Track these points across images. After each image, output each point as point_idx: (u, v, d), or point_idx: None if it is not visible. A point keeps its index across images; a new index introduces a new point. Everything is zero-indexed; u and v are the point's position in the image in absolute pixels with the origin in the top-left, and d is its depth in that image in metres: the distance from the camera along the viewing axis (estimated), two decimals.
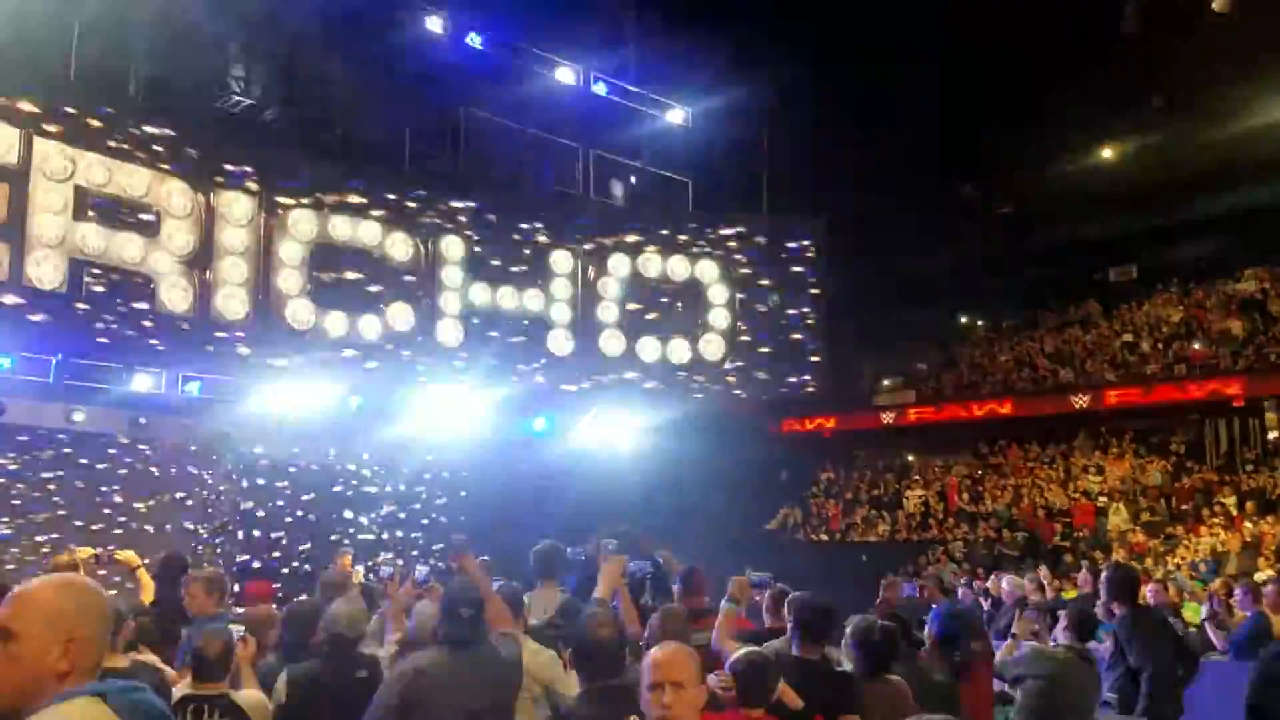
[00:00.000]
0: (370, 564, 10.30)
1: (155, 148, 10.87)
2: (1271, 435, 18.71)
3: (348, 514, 14.35)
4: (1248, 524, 16.20)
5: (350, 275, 12.32)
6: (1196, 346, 19.48)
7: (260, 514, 13.36)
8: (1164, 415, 19.50)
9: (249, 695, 4.25)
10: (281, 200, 11.81)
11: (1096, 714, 5.38)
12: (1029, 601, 8.51)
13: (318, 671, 4.45)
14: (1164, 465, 18.85)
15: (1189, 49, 14.65)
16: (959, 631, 5.23)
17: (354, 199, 12.41)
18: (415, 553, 14.34)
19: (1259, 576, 12.39)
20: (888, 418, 22.29)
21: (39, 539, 11.34)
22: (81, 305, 10.29)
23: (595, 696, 3.41)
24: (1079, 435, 20.58)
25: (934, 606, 5.84)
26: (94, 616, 2.07)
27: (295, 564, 13.32)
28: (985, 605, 10.98)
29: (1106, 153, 18.69)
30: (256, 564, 12.85)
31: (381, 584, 5.94)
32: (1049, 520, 18.48)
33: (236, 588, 10.39)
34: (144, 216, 10.75)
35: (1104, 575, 6.55)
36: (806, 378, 16.33)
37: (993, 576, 11.83)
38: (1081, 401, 19.73)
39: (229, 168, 11.47)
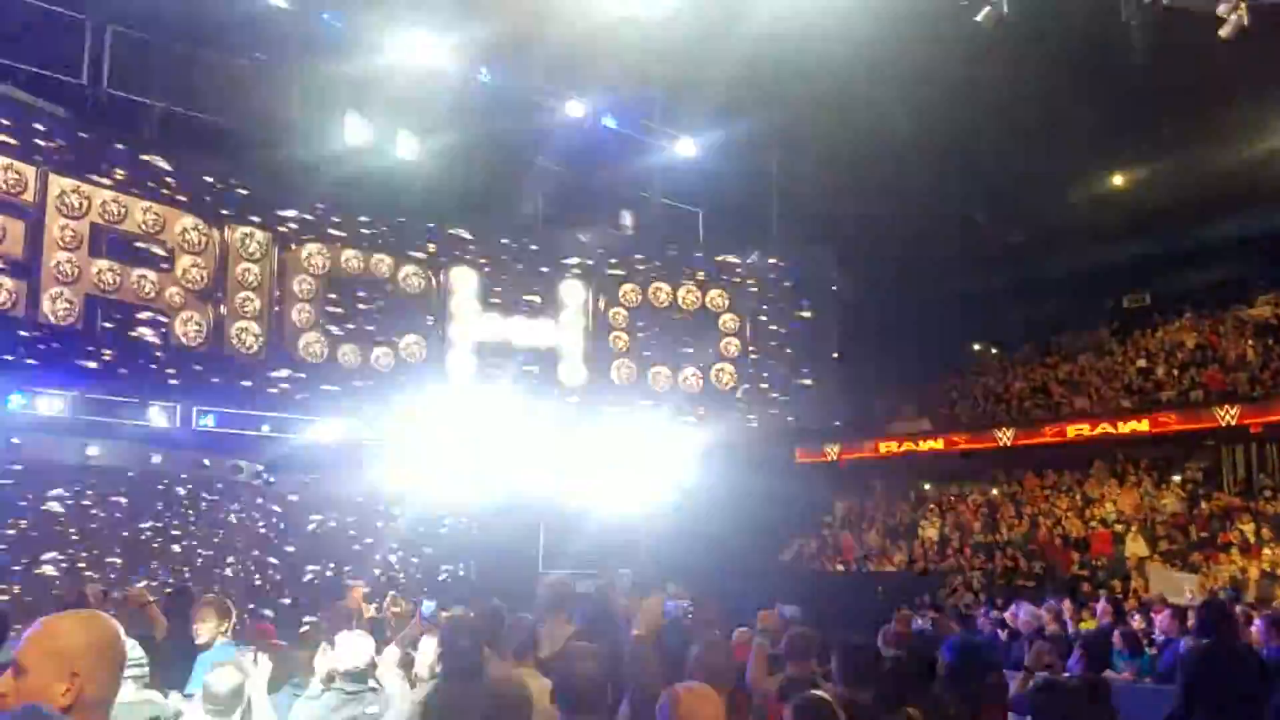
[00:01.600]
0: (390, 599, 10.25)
1: (169, 182, 11.00)
2: None
3: (360, 547, 14.34)
4: (1266, 550, 16.02)
5: (363, 307, 12.40)
6: (1211, 372, 19.35)
7: (274, 544, 13.38)
8: (1180, 442, 19.33)
9: None
10: (295, 234, 11.92)
11: None
12: (1045, 632, 8.41)
13: (330, 703, 4.43)
14: (1181, 492, 18.67)
15: (1199, 74, 14.66)
16: (974, 663, 5.15)
17: (366, 231, 12.52)
18: (426, 588, 14.29)
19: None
20: (903, 447, 22.17)
21: (52, 574, 11.36)
22: (96, 340, 10.38)
23: None
24: (1094, 463, 20.42)
25: (947, 638, 5.77)
26: (103, 653, 2.08)
27: (310, 596, 13.29)
28: (1002, 636, 10.87)
29: (1118, 179, 18.66)
30: (268, 607, 12.83)
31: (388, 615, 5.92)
32: (1066, 549, 18.30)
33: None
34: (158, 251, 10.86)
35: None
36: (820, 407, 16.32)
37: (1011, 607, 11.70)
38: (1096, 429, 19.59)
39: (243, 203, 11.59)
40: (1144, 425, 19.06)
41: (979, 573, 18.37)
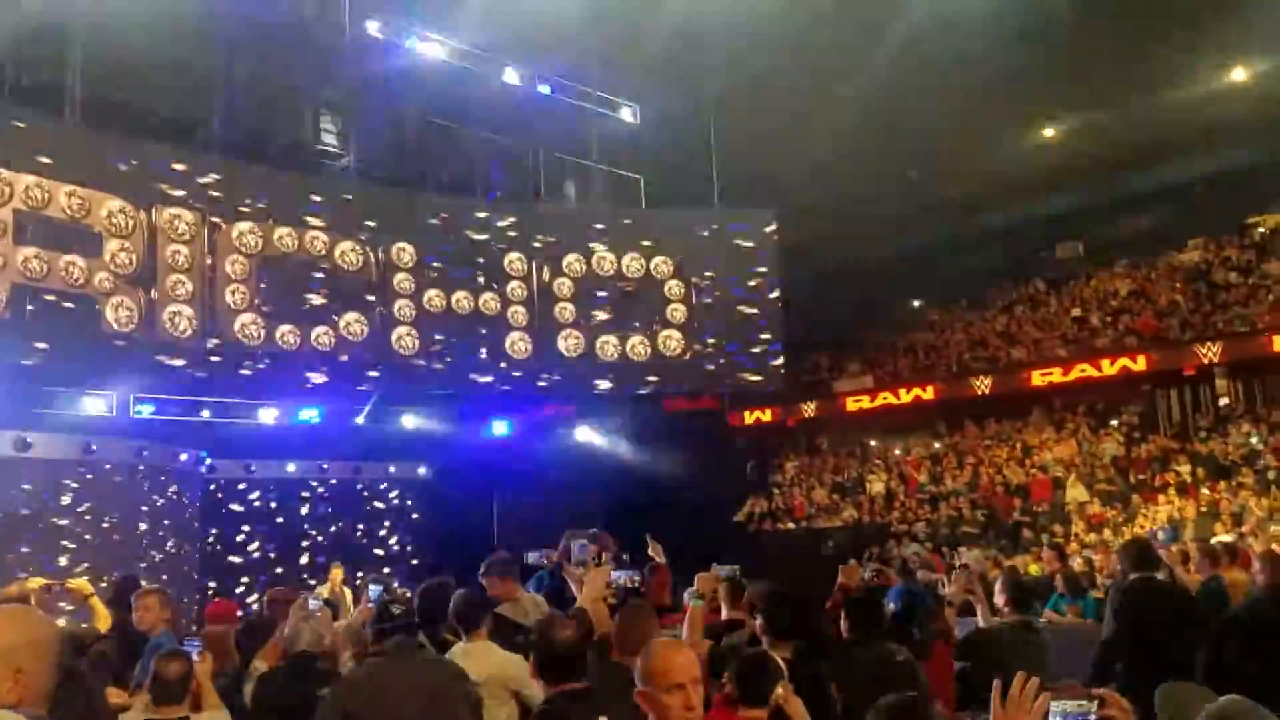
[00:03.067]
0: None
1: (93, 165, 10.70)
2: (1223, 402, 19.07)
3: (309, 528, 14.24)
4: (1204, 490, 16.52)
5: (299, 286, 12.21)
6: (1145, 318, 19.82)
7: (217, 531, 13.22)
8: (1116, 387, 19.82)
9: (211, 717, 4.19)
10: (225, 213, 11.68)
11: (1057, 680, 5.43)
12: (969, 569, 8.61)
13: (279, 689, 4.40)
14: (1118, 437, 19.17)
15: (1125, 23, 14.91)
16: (917, 610, 5.28)
17: (298, 208, 12.30)
18: (387, 569, 14.26)
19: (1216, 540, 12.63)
20: (848, 404, 22.48)
21: None
22: (25, 329, 10.12)
23: (561, 701, 3.37)
24: (1033, 412, 20.88)
25: (891, 588, 5.90)
26: (42, 647, 2.09)
27: (262, 578, 13.19)
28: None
29: (1048, 131, 18.94)
30: (213, 584, 12.70)
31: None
32: (1008, 496, 18.72)
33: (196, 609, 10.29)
34: (85, 237, 10.58)
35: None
36: (766, 368, 16.45)
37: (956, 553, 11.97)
38: (1034, 378, 20.02)
39: (170, 183, 11.31)
40: (1080, 373, 19.51)
41: (924, 523, 18.75)
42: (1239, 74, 16.69)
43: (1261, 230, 20.55)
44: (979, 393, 20.70)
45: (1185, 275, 20.39)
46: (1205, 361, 18.38)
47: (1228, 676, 4.28)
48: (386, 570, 14.34)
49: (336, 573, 10.43)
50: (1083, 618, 9.34)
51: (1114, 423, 19.76)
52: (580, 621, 4.28)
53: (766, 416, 23.09)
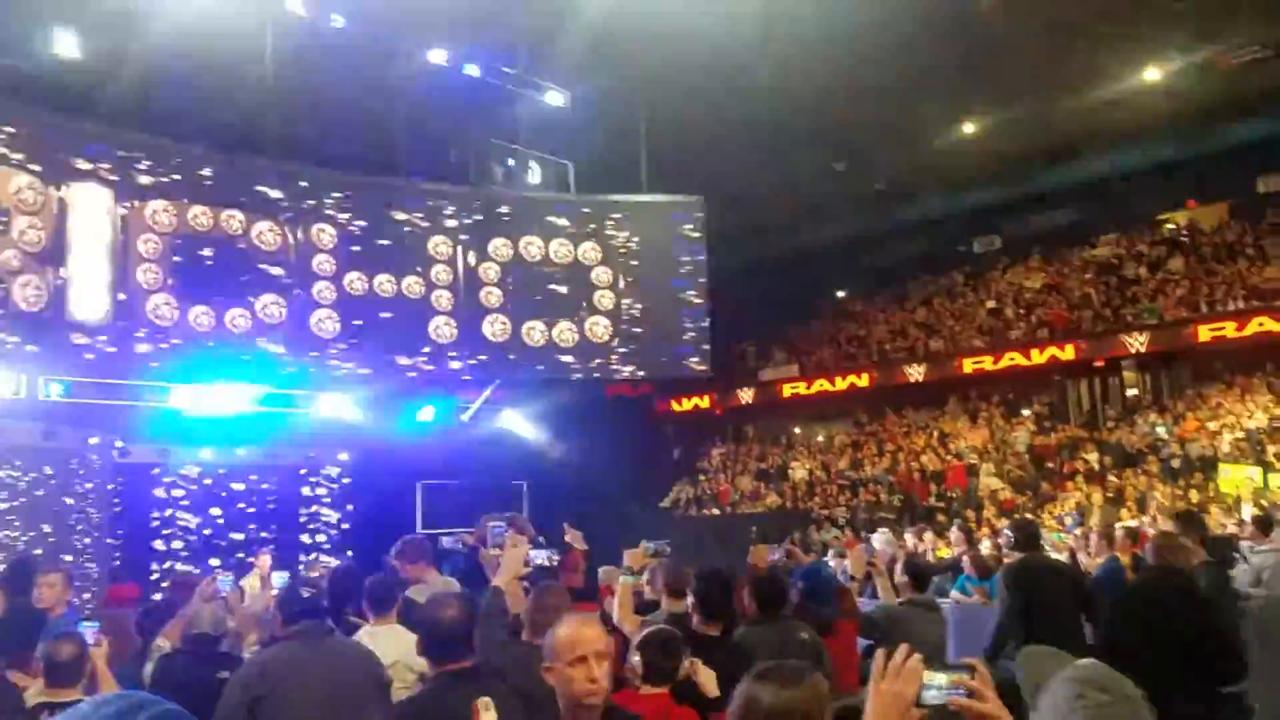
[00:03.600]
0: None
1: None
2: (1130, 393, 19.74)
3: (219, 515, 13.98)
4: (1110, 477, 17.09)
5: (214, 267, 11.94)
6: (1057, 311, 20.41)
7: (128, 517, 12.92)
8: (1029, 378, 20.39)
9: None
10: (138, 190, 11.37)
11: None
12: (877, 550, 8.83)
13: (179, 671, 4.36)
14: (1030, 425, 19.73)
15: (1044, 23, 15.27)
16: (822, 589, 5.40)
17: (214, 186, 12.02)
18: (312, 555, 14.07)
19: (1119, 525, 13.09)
20: (772, 392, 22.77)
21: None
22: None
23: (444, 680, 3.38)
24: (949, 400, 21.39)
25: (797, 567, 6.02)
26: None
27: (167, 565, 12.93)
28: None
29: (969, 127, 19.35)
30: (118, 566, 12.42)
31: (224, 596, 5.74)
32: (924, 482, 19.17)
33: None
34: None
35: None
36: (694, 356, 16.54)
37: (874, 536, 12.22)
38: (950, 368, 20.51)
39: (80, 158, 10.98)
40: (995, 363, 20.04)
41: (844, 509, 19.10)
42: (1152, 73, 17.22)
43: (1171, 226, 21.28)
44: (897, 381, 21.15)
45: (1097, 270, 21.03)
46: (1115, 354, 19.01)
47: (1118, 651, 4.49)
48: (313, 556, 14.15)
49: (264, 560, 10.23)
50: (989, 599, 9.63)
51: (1025, 412, 20.34)
52: (495, 600, 4.31)
53: (693, 405, 23.29)
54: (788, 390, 22.62)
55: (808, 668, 2.26)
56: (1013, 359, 19.85)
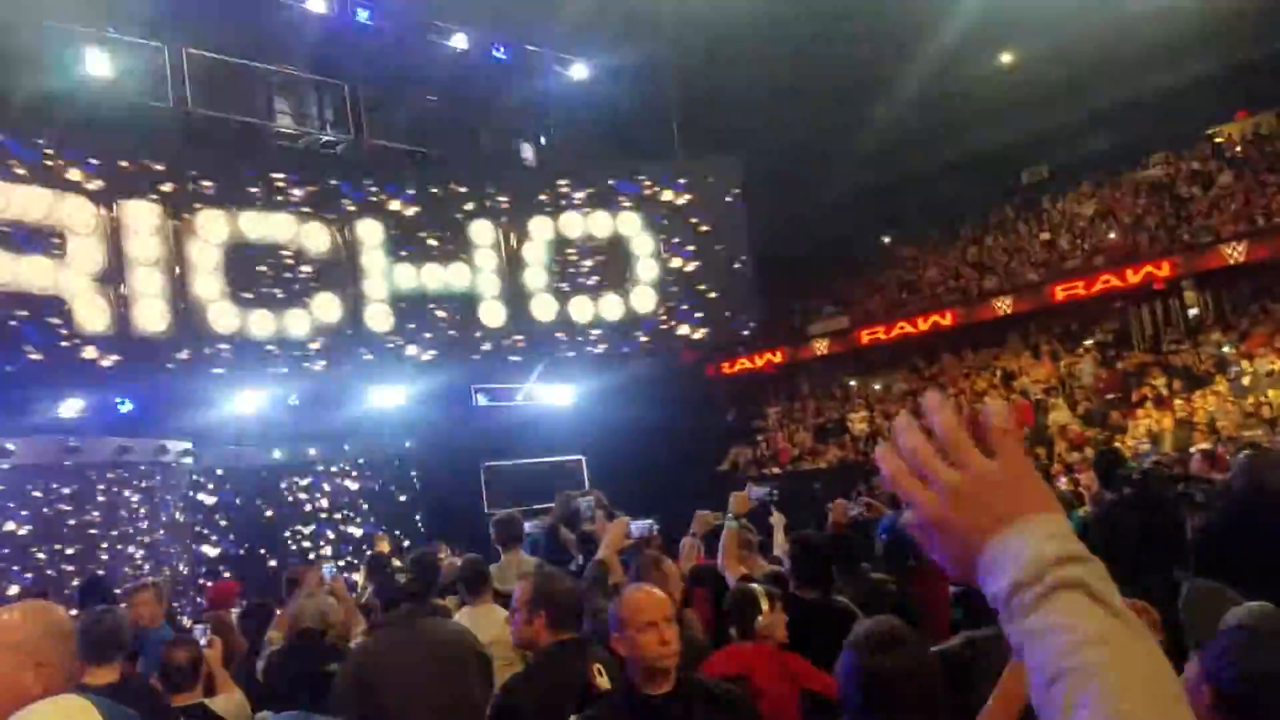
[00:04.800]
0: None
1: (48, 164, 10.54)
2: (1192, 313, 19.31)
3: (298, 507, 14.19)
4: (1178, 401, 16.77)
5: (270, 272, 12.12)
6: (1112, 236, 19.98)
7: (204, 528, 13.19)
8: (1089, 307, 20.02)
9: (226, 700, 4.23)
10: (188, 203, 11.55)
11: None
12: None
13: (287, 666, 4.45)
14: (1095, 356, 19.39)
15: None
16: (907, 538, 5.36)
17: (262, 193, 12.18)
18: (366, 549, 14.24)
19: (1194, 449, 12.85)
20: (824, 346, 22.61)
21: None
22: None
23: (557, 648, 3.46)
24: (1008, 338, 21.08)
25: (881, 519, 5.99)
26: (59, 639, 2.16)
27: (253, 567, 13.19)
28: None
29: (1006, 57, 18.90)
30: (205, 580, 12.68)
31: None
32: None
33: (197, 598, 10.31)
34: (49, 238, 10.45)
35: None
36: (743, 317, 16.49)
37: None
38: (1007, 305, 20.18)
39: (129, 177, 11.16)
40: (1052, 295, 19.69)
41: None
42: None
43: (1220, 141, 20.70)
44: (954, 323, 20.86)
45: (1149, 190, 20.53)
46: (1174, 275, 18.58)
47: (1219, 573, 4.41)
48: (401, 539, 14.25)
49: (383, 545, 10.40)
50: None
51: (1088, 342, 19.99)
52: (598, 572, 4.39)
53: (744, 365, 23.21)
54: (840, 342, 22.45)
55: (906, 629, 2.27)
56: (1069, 289, 19.47)
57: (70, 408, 11.37)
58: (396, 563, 7.52)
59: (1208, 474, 9.09)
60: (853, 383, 23.20)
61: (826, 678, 3.48)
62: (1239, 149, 20.18)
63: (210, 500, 13.32)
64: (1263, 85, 19.52)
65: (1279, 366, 16.08)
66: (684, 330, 15.77)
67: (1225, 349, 17.46)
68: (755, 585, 3.91)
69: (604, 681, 3.06)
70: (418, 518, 15.52)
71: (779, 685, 3.57)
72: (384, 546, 9.21)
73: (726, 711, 2.81)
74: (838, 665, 2.19)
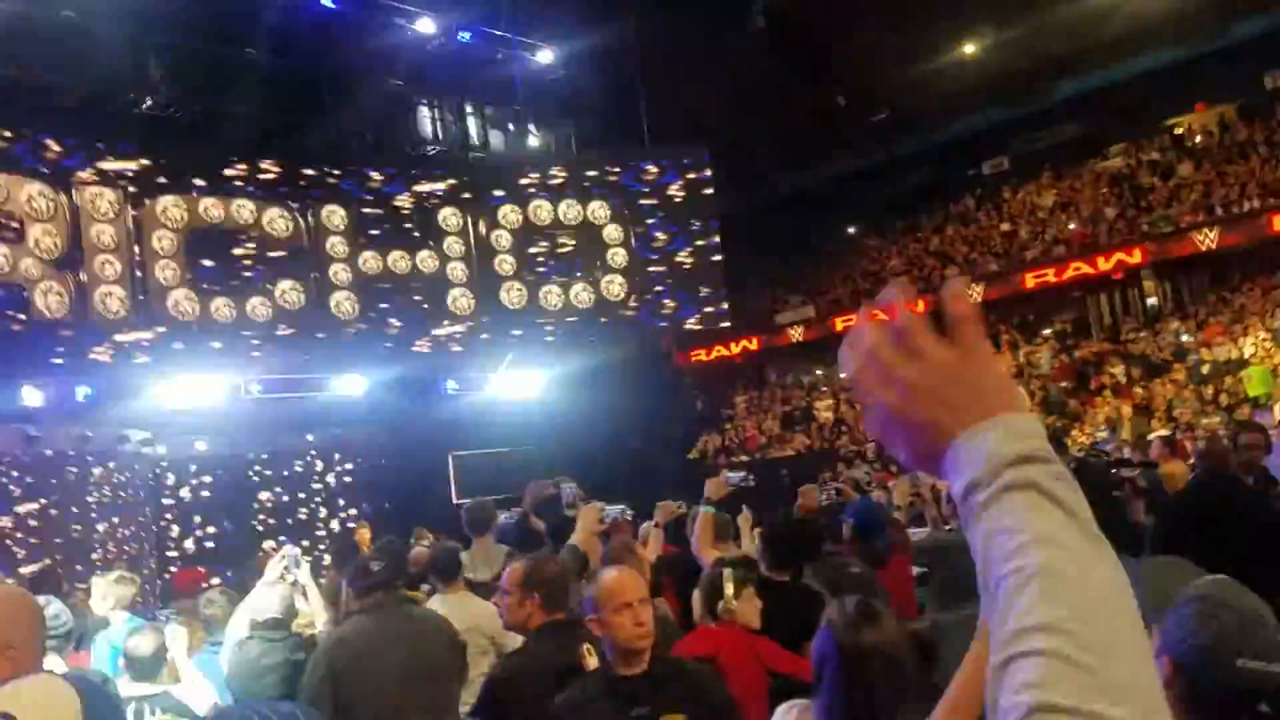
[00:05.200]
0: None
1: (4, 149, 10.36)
2: (1151, 301, 19.60)
3: (262, 497, 14.06)
4: (1137, 389, 17.04)
5: (230, 258, 11.97)
6: (1072, 227, 20.23)
7: (168, 516, 13.05)
8: (1048, 297, 20.27)
9: (192, 688, 4.20)
10: (146, 189, 11.38)
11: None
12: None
13: (254, 655, 4.42)
14: (1054, 345, 19.64)
15: None
16: (873, 522, 5.44)
17: (223, 179, 12.03)
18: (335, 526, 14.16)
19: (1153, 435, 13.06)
20: (792, 334, 22.74)
21: None
22: None
23: (547, 630, 3.47)
24: None
25: (848, 504, 6.06)
26: (27, 623, 2.18)
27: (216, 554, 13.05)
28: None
29: (969, 48, 19.05)
30: (173, 566, 12.56)
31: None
32: None
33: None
34: (7, 223, 10.27)
35: None
36: (710, 306, 16.53)
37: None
38: (976, 294, 20.36)
39: (89, 164, 10.99)
40: (1011, 285, 19.90)
41: (874, 444, 19.12)
42: None
43: (1179, 131, 21.01)
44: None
45: (1109, 181, 20.80)
46: (1132, 264, 18.84)
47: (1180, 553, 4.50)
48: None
49: (364, 533, 10.33)
50: None
51: (1046, 331, 20.24)
52: (575, 557, 4.40)
53: (712, 354, 23.29)
54: (805, 331, 22.59)
55: (882, 607, 2.30)
56: (1031, 279, 19.68)
57: (32, 397, 11.18)
58: (365, 551, 7.48)
59: (1168, 460, 9.28)
60: (820, 371, 23.35)
61: (794, 659, 3.53)
62: (1199, 140, 20.49)
63: (174, 489, 13.16)
64: (1222, 77, 19.83)
65: (1236, 355, 16.38)
66: (652, 320, 15.80)
67: (1184, 337, 17.75)
68: (725, 569, 3.93)
69: (593, 661, 3.10)
70: (387, 505, 15.43)
71: (747, 667, 3.61)
72: (365, 535, 9.15)
73: (699, 689, 2.85)
74: (814, 644, 2.22)
